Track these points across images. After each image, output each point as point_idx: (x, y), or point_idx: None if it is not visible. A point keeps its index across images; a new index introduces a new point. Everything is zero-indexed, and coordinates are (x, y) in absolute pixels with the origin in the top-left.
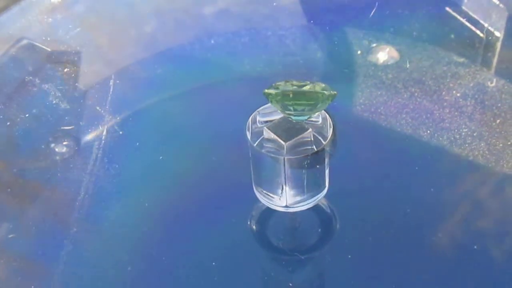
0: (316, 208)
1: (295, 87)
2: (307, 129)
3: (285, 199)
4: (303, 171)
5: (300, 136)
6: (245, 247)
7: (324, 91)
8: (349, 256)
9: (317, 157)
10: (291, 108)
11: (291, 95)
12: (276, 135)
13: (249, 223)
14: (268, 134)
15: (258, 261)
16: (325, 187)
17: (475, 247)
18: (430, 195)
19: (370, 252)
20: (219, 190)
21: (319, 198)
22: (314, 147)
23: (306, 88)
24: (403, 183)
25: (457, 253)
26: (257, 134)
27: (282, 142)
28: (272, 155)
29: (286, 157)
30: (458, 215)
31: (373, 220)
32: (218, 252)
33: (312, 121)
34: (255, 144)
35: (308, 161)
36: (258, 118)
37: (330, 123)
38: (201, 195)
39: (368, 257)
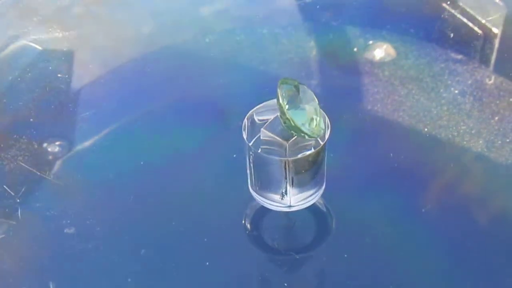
0: (311, 207)
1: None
2: None
3: (288, 199)
4: (305, 170)
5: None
6: (240, 246)
7: (311, 133)
8: (345, 256)
9: (317, 156)
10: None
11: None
12: (275, 135)
13: (243, 222)
14: (266, 134)
15: (253, 261)
16: (321, 183)
17: (478, 249)
18: (427, 193)
19: (366, 252)
20: (213, 190)
21: (319, 195)
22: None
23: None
24: (400, 182)
25: (457, 255)
26: (254, 133)
27: (284, 142)
28: (275, 157)
29: (289, 159)
30: (457, 214)
31: (369, 219)
32: (212, 252)
33: None
34: (250, 144)
35: (310, 160)
36: (255, 117)
37: (328, 124)
38: (195, 195)
39: (364, 256)
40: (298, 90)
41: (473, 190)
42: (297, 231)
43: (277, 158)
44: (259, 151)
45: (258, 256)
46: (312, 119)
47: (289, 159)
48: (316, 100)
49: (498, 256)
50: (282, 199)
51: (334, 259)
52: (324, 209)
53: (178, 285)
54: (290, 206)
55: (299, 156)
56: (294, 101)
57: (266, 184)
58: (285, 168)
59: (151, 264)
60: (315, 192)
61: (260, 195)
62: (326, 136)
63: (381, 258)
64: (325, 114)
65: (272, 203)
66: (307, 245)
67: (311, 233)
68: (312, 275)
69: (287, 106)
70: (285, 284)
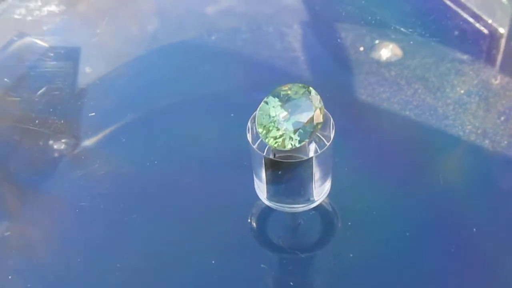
0: (317, 207)
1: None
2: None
3: (313, 195)
4: (324, 161)
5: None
6: (245, 245)
7: (264, 140)
8: (351, 255)
9: (300, 166)
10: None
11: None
12: None
13: (249, 221)
14: None
15: (258, 259)
16: (311, 200)
17: (484, 250)
18: (434, 193)
19: (371, 251)
20: (220, 188)
21: (300, 208)
22: (303, 155)
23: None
24: (406, 181)
25: (463, 254)
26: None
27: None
28: (258, 151)
29: (265, 156)
30: (463, 214)
31: (375, 218)
32: (218, 251)
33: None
34: (255, 146)
35: (326, 152)
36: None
37: (332, 124)
38: (201, 194)
39: (369, 255)
40: (296, 96)
41: (479, 190)
42: (302, 230)
43: (256, 149)
44: (265, 152)
45: (264, 254)
46: (270, 129)
47: (264, 154)
48: (309, 118)
49: (501, 257)
50: (265, 191)
51: (339, 258)
52: (330, 209)
53: (184, 283)
54: (268, 200)
55: (271, 156)
56: (279, 105)
57: (256, 173)
58: (263, 162)
59: (157, 262)
60: (296, 203)
61: (282, 203)
62: (310, 154)
63: (387, 257)
64: (332, 123)
65: (259, 192)
66: (313, 244)
67: (316, 232)
68: (317, 274)
69: (265, 104)
70: (291, 283)
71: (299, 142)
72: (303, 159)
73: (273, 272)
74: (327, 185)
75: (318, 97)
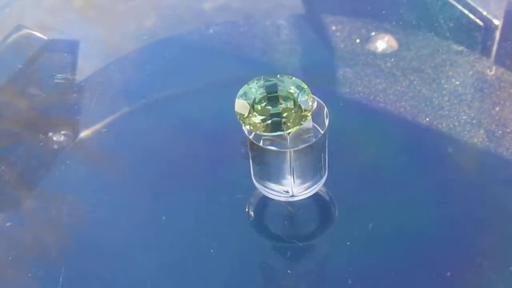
0: (314, 196)
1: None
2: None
3: (291, 189)
4: (308, 159)
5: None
6: (244, 234)
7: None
8: (348, 243)
9: (318, 144)
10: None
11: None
12: None
13: (247, 210)
14: None
15: (257, 248)
16: (289, 193)
17: (479, 237)
18: (429, 183)
19: (369, 239)
20: (217, 178)
21: (322, 183)
22: (313, 134)
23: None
24: (401, 171)
25: (459, 242)
26: None
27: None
28: (275, 148)
29: (292, 149)
30: (458, 202)
31: (372, 207)
32: (217, 240)
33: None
34: (251, 136)
35: (311, 149)
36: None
37: (326, 113)
38: (199, 183)
39: (367, 244)
40: (289, 90)
41: (474, 180)
42: (300, 219)
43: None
44: (261, 143)
45: (262, 243)
46: (248, 115)
47: (249, 135)
48: (292, 116)
49: (498, 248)
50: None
51: (337, 246)
52: (327, 198)
53: (183, 271)
54: (253, 179)
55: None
56: (268, 89)
57: (267, 174)
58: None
59: (156, 252)
60: (276, 190)
61: (262, 185)
62: (299, 147)
63: (384, 245)
64: (326, 111)
65: (251, 170)
66: (310, 233)
67: (314, 221)
68: (315, 262)
69: (247, 90)
70: (289, 271)
71: (272, 131)
72: (284, 149)
73: (271, 261)
74: (317, 182)
75: (311, 102)
